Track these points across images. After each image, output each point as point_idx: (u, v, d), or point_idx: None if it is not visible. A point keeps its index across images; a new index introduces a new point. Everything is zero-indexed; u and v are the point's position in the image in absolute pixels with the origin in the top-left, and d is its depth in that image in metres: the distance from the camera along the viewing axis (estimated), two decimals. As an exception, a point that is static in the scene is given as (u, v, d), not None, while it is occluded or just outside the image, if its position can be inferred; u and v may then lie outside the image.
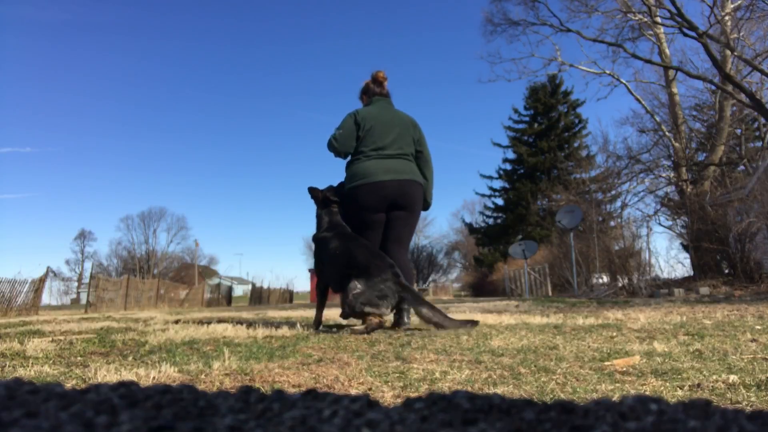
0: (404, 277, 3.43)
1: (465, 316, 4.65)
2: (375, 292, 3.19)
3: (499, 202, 34.48)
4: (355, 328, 3.27)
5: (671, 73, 16.63)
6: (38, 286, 14.99)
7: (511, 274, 22.86)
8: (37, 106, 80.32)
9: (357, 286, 3.22)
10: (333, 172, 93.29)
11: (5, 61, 75.03)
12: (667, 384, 1.48)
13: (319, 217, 3.81)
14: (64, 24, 78.93)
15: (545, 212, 28.89)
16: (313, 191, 3.89)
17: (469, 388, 1.46)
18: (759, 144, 19.23)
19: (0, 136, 74.73)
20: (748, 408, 1.06)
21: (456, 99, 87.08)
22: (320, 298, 3.82)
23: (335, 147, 3.76)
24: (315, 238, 3.76)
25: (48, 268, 16.64)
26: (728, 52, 13.68)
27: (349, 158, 3.87)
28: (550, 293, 17.77)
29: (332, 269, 3.53)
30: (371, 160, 3.70)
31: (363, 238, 3.60)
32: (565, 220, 13.75)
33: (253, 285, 34.31)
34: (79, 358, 2.16)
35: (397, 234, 3.78)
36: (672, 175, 17.33)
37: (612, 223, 18.35)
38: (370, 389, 1.48)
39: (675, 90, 17.32)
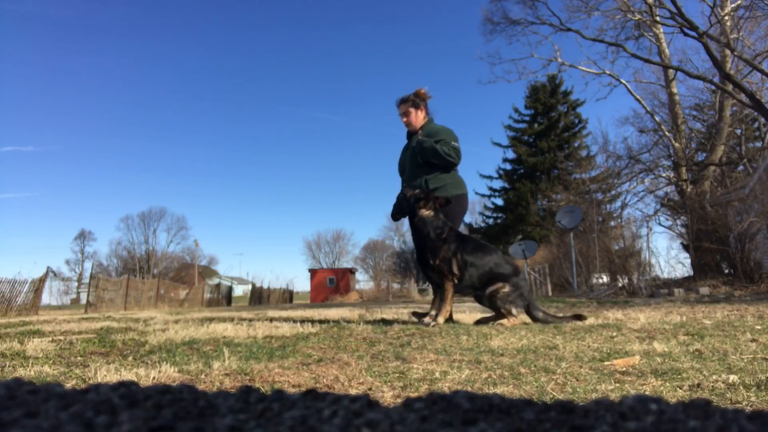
0: None
1: (465, 315, 4.66)
2: (518, 294, 3.67)
3: (499, 202, 34.46)
4: (503, 321, 3.65)
5: (671, 73, 16.63)
6: (38, 286, 14.98)
7: (511, 274, 22.81)
8: (38, 104, 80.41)
9: (506, 288, 3.65)
10: (334, 171, 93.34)
11: (7, 58, 75.08)
12: (667, 384, 1.48)
13: (435, 219, 3.73)
14: (67, 22, 78.95)
15: (545, 212, 28.88)
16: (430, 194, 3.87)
17: (469, 388, 1.46)
18: (759, 144, 19.25)
19: (2, 135, 74.83)
20: (748, 408, 1.06)
21: (456, 99, 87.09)
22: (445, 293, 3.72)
23: (459, 158, 4.08)
24: (454, 235, 3.72)
25: (48, 268, 16.64)
26: (728, 52, 13.68)
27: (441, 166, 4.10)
28: (550, 293, 17.76)
29: (476, 270, 3.70)
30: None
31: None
32: (565, 220, 13.74)
33: (253, 285, 34.31)
34: (79, 358, 2.16)
35: None
36: (672, 175, 17.33)
37: (612, 223, 18.36)
38: (370, 389, 1.48)
39: (675, 90, 17.32)
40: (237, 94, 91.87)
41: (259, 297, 31.36)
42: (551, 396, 1.37)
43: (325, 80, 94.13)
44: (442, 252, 3.64)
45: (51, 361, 2.03)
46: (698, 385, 1.45)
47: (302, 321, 4.32)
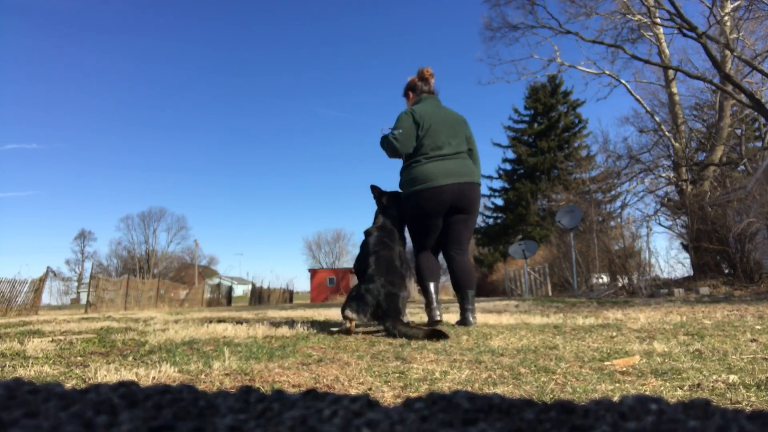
0: (465, 280, 3.69)
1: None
2: (360, 300, 3.13)
3: (499, 202, 34.49)
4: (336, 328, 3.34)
5: (671, 73, 16.62)
6: (38, 286, 14.98)
7: (511, 274, 22.88)
8: (41, 102, 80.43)
9: (353, 290, 3.22)
10: (334, 171, 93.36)
11: (11, 54, 75.10)
12: (667, 384, 1.48)
13: (376, 215, 3.69)
14: (71, 16, 78.87)
15: (545, 212, 28.91)
16: (374, 190, 3.78)
17: (469, 388, 1.46)
18: (759, 144, 19.25)
19: (5, 133, 74.86)
20: (748, 408, 1.06)
21: (455, 98, 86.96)
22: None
23: (396, 148, 3.62)
24: (365, 232, 3.64)
25: (48, 268, 16.63)
26: (728, 52, 13.68)
27: (403, 160, 3.79)
28: (550, 293, 17.77)
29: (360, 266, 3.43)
30: (431, 163, 3.62)
31: (398, 247, 3.46)
32: (565, 220, 13.73)
33: (253, 285, 34.32)
34: (79, 358, 2.16)
35: (457, 236, 3.77)
36: (672, 175, 17.33)
37: (612, 223, 18.35)
38: (370, 389, 1.47)
39: (675, 90, 17.32)
40: (238, 93, 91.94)
41: (259, 297, 31.36)
42: (551, 396, 1.37)
43: (323, 80, 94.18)
44: None
45: (51, 361, 2.03)
46: (698, 385, 1.45)
47: (303, 321, 4.32)
